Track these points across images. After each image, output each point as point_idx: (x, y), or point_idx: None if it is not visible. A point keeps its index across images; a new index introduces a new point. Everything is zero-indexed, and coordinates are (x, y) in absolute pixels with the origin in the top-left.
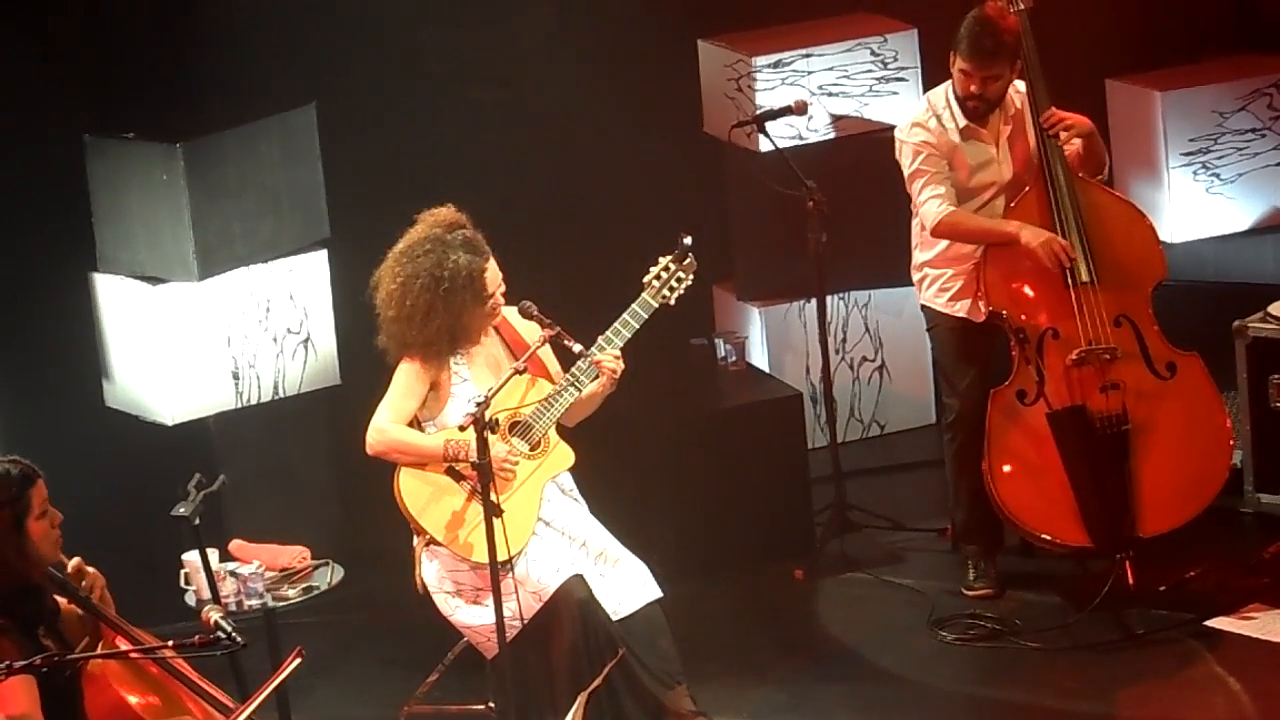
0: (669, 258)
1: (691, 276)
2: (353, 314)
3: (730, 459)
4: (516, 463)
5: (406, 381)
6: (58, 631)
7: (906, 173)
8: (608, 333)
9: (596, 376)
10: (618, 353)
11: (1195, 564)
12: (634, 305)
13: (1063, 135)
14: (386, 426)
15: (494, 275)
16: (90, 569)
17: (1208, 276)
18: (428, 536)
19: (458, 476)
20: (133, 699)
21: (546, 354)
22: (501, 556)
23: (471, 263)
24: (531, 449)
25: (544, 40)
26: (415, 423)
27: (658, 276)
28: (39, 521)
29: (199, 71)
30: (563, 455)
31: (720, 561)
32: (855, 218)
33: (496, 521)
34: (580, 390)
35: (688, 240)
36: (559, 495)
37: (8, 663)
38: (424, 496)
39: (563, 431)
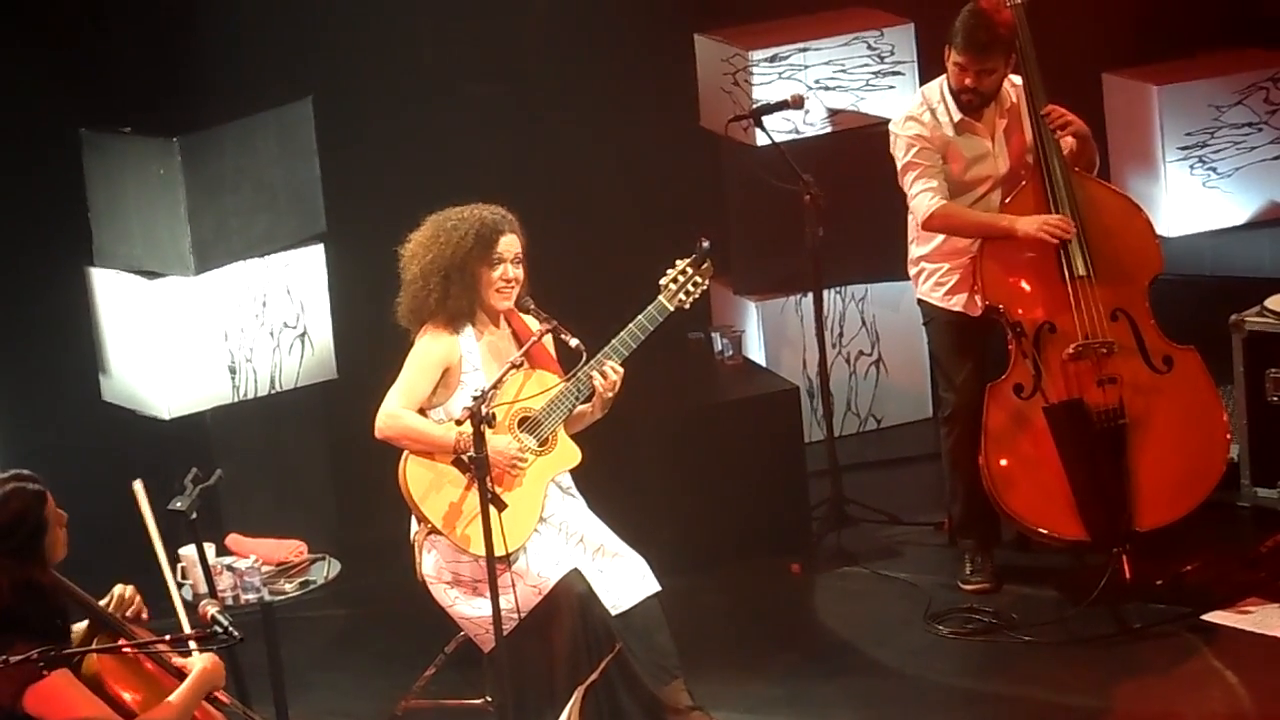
0: (686, 261)
1: (708, 281)
2: (349, 308)
3: (727, 453)
4: (526, 460)
5: (422, 359)
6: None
7: (899, 165)
8: (623, 334)
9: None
10: (618, 365)
11: (1192, 558)
12: (649, 309)
13: (1060, 132)
14: (399, 412)
15: (510, 244)
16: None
17: (1204, 270)
18: (429, 525)
19: (464, 468)
20: (127, 695)
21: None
22: (500, 551)
23: (494, 220)
24: (540, 445)
25: (540, 34)
26: (422, 410)
27: (674, 280)
28: (51, 534)
29: (195, 66)
30: (570, 453)
31: (717, 556)
32: (852, 212)
33: (499, 516)
34: (590, 387)
35: (706, 244)
36: (557, 493)
37: (5, 657)
38: (427, 484)
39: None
